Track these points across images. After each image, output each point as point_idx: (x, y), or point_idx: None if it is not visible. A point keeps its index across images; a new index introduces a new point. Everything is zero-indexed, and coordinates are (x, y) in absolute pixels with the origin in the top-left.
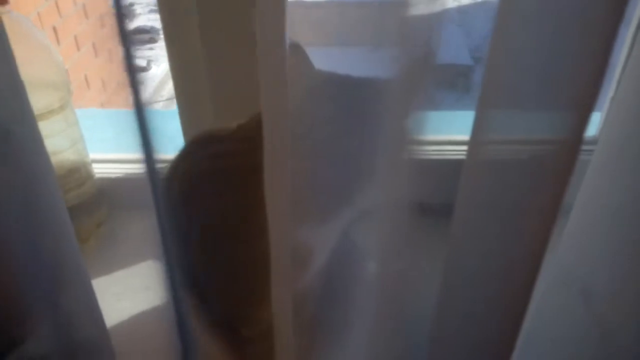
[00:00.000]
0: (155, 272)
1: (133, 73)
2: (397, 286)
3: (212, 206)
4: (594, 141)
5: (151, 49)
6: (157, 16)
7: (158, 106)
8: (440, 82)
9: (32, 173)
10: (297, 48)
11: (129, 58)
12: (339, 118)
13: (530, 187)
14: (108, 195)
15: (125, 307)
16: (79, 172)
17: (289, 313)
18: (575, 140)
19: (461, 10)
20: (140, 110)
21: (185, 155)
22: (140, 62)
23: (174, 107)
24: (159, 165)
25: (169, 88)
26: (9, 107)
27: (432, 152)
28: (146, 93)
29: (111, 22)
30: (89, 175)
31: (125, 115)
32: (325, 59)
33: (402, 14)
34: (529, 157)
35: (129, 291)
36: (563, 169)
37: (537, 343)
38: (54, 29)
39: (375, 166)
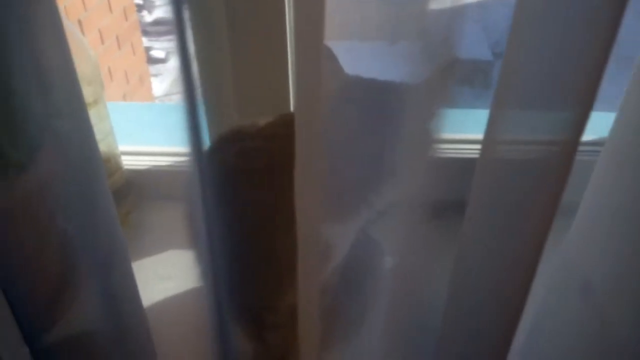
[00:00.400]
0: (181, 259)
1: (188, 71)
2: (411, 279)
3: (241, 201)
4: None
5: (170, 40)
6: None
7: (175, 98)
8: (460, 78)
9: (84, 161)
10: (327, 51)
11: (184, 56)
12: (362, 121)
13: (535, 185)
14: (136, 186)
15: (153, 292)
16: (108, 163)
17: (314, 302)
18: (576, 138)
19: (481, 5)
20: (190, 104)
21: (214, 151)
22: (159, 53)
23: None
24: (201, 158)
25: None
26: (64, 100)
27: (451, 151)
28: (164, 85)
29: (134, 15)
30: (118, 166)
31: (149, 109)
32: (343, 52)
33: (422, 9)
34: (536, 156)
35: (156, 277)
36: (565, 167)
37: (540, 335)
38: (79, 22)
39: (395, 167)
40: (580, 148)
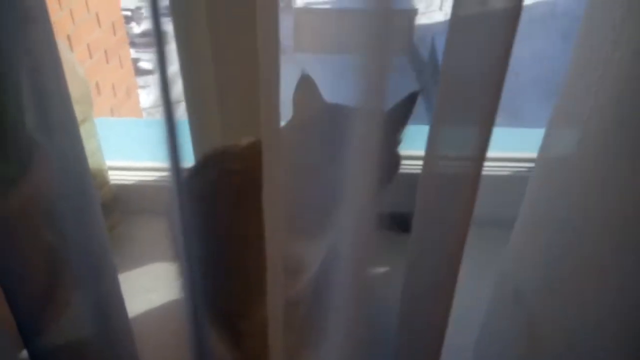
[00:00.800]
0: (164, 272)
1: (166, 90)
2: (370, 288)
3: (220, 218)
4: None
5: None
6: (164, 19)
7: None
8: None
9: (75, 176)
10: (307, 79)
11: (163, 78)
12: (334, 145)
13: (460, 196)
14: (122, 201)
15: (138, 303)
16: (96, 179)
17: (280, 313)
18: (484, 153)
19: None
20: (169, 122)
21: (198, 170)
22: (147, 65)
23: (180, 110)
24: (180, 174)
25: (175, 91)
26: (57, 117)
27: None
28: (152, 96)
29: (122, 29)
30: (105, 181)
31: (137, 124)
32: (323, 65)
33: (409, 24)
34: (462, 170)
35: (140, 289)
36: (477, 179)
37: (486, 333)
38: (68, 37)
39: (359, 187)
40: (522, 165)
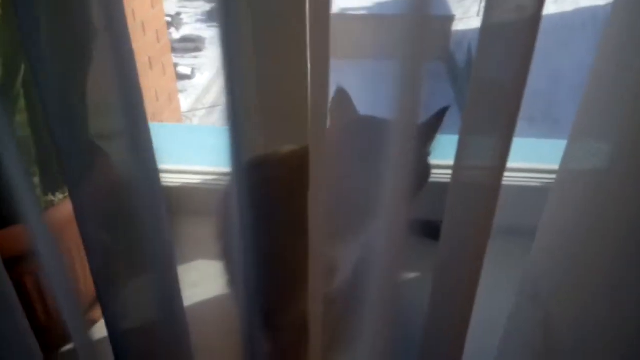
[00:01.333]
0: (207, 269)
1: (232, 94)
2: (399, 290)
3: (264, 220)
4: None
5: (196, 57)
6: (203, 25)
7: (200, 114)
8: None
9: (149, 172)
10: (342, 92)
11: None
12: (368, 155)
13: (482, 203)
14: (168, 202)
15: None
16: None
17: (320, 309)
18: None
19: None
20: (234, 128)
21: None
22: (185, 70)
23: (215, 114)
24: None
25: (211, 96)
26: (129, 115)
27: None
28: (189, 100)
29: (165, 37)
30: None
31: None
32: (359, 72)
33: (441, 30)
34: (489, 179)
35: (185, 284)
36: (498, 186)
37: (510, 329)
38: None
39: (393, 195)
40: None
